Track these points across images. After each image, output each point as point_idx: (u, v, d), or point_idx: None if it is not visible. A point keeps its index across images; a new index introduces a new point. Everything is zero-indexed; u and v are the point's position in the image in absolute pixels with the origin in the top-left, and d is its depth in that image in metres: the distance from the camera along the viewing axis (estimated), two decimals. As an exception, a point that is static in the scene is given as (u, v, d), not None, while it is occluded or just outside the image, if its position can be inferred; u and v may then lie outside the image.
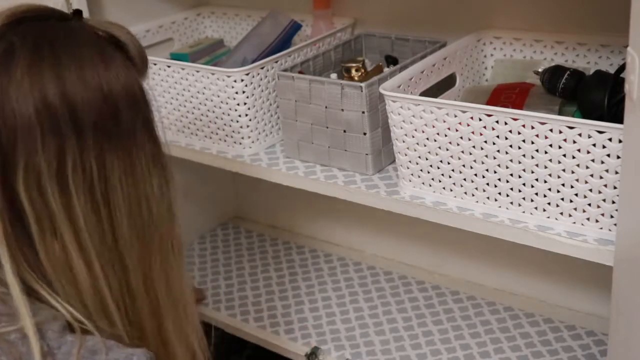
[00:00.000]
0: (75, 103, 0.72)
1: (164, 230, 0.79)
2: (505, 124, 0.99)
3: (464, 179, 1.07)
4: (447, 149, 1.06)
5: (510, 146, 1.00)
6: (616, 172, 0.93)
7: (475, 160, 1.05)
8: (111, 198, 0.74)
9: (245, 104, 1.29)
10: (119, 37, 0.80)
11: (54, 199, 0.71)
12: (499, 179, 1.04)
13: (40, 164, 0.71)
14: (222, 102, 1.31)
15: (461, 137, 1.04)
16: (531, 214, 1.03)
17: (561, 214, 1.01)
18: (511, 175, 1.02)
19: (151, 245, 0.78)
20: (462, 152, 1.05)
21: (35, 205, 0.71)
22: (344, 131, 1.21)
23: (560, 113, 1.11)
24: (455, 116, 1.03)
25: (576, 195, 0.98)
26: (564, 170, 0.97)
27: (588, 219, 0.99)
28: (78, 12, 0.80)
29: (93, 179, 0.73)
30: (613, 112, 1.01)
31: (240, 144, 1.33)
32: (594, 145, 0.93)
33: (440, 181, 1.10)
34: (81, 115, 0.72)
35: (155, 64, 1.37)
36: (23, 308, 0.69)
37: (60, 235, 0.72)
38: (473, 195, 1.08)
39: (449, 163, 1.07)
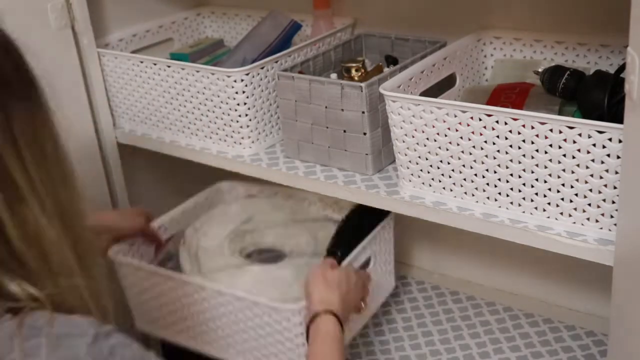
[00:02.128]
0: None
1: (69, 161, 0.79)
2: (505, 124, 0.99)
3: (464, 179, 1.07)
4: (447, 149, 1.06)
5: (510, 146, 1.00)
6: (616, 172, 0.93)
7: (475, 160, 1.05)
8: (46, 149, 0.74)
9: (245, 104, 1.29)
10: None
11: (12, 167, 0.71)
12: (499, 179, 1.04)
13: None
14: (222, 102, 1.31)
15: (461, 137, 1.04)
16: (531, 214, 1.03)
17: (561, 214, 1.01)
18: (511, 175, 1.02)
19: (70, 174, 0.78)
20: (462, 152, 1.05)
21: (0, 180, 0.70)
22: (344, 131, 1.21)
23: (560, 113, 1.11)
24: (455, 116, 1.03)
25: (576, 195, 0.98)
26: (564, 170, 0.97)
27: (588, 219, 0.99)
28: None
29: (33, 135, 0.73)
30: (613, 112, 1.01)
31: (240, 144, 1.33)
32: (594, 145, 0.94)
33: (440, 181, 1.10)
34: (3, 74, 0.72)
35: (155, 64, 1.37)
36: None
37: (27, 202, 0.71)
38: (473, 195, 1.08)
39: (449, 163, 1.07)
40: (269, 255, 1.45)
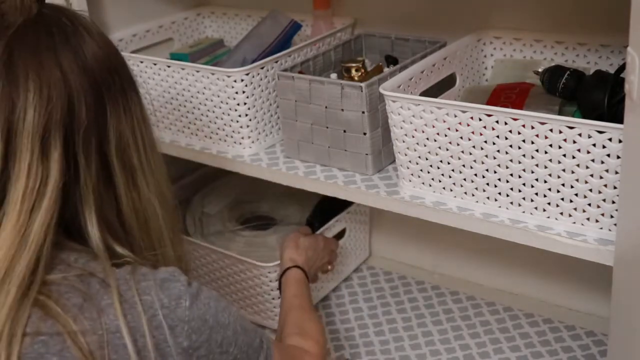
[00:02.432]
0: (113, 65, 0.86)
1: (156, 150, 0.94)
2: (505, 124, 0.99)
3: (464, 179, 1.07)
4: (447, 149, 1.06)
5: (510, 146, 1.00)
6: (616, 172, 0.93)
7: (475, 160, 1.05)
8: (147, 143, 0.89)
9: (245, 104, 1.29)
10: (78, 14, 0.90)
11: (132, 155, 0.87)
12: (499, 179, 1.04)
13: (125, 129, 0.86)
14: (222, 102, 1.31)
15: (461, 137, 1.04)
16: (531, 214, 1.03)
17: (561, 214, 1.01)
18: (511, 175, 1.02)
19: (160, 161, 0.93)
20: (462, 152, 1.05)
21: (123, 164, 0.86)
22: (344, 131, 1.21)
23: (560, 113, 1.11)
24: (455, 116, 1.03)
25: (576, 195, 0.98)
26: (564, 170, 0.97)
27: (588, 219, 0.99)
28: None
29: (141, 127, 0.88)
30: (613, 112, 1.01)
31: (240, 144, 1.33)
32: (594, 145, 0.94)
33: (440, 181, 1.10)
34: (119, 70, 0.87)
35: (155, 64, 1.37)
36: (105, 260, 0.83)
37: (137, 186, 0.88)
38: (473, 195, 1.08)
39: (449, 163, 1.07)
40: (263, 222, 1.66)
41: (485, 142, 1.02)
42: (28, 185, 0.79)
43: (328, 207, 1.55)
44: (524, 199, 1.03)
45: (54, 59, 0.81)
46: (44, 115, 0.79)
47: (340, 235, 1.57)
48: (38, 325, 0.76)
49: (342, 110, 1.20)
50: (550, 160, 0.98)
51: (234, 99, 1.29)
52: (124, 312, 0.78)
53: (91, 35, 0.85)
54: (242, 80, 1.28)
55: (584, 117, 1.03)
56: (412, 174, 1.13)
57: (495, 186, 1.05)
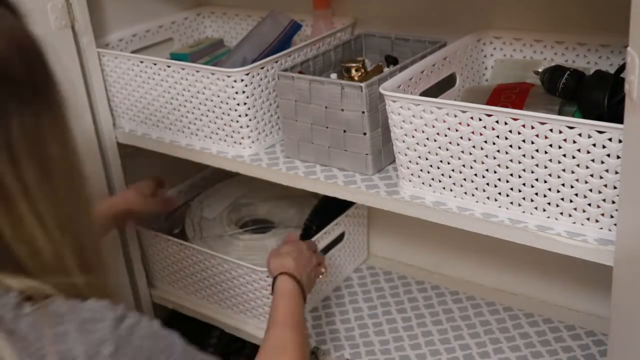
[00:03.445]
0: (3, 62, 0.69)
1: (79, 166, 0.79)
2: (505, 124, 0.99)
3: (464, 179, 1.07)
4: (447, 149, 1.06)
5: (510, 146, 1.00)
6: (616, 172, 0.93)
7: (475, 160, 1.05)
8: (51, 156, 0.74)
9: (245, 104, 1.29)
10: None
11: (4, 171, 0.70)
12: (499, 179, 1.04)
13: None
14: (222, 102, 1.31)
15: (461, 137, 1.04)
16: (531, 214, 1.03)
17: (561, 214, 1.01)
18: (511, 175, 1.02)
19: (77, 180, 0.78)
20: (462, 152, 1.05)
21: None
22: (344, 131, 1.21)
23: (560, 113, 1.11)
24: (455, 116, 1.03)
25: (576, 195, 0.98)
26: (564, 170, 0.97)
27: (588, 219, 0.99)
28: None
29: (35, 141, 0.72)
30: (613, 112, 1.01)
31: (240, 144, 1.33)
32: (594, 145, 0.94)
33: (440, 181, 1.10)
34: (10, 73, 0.70)
35: (155, 64, 1.37)
36: None
37: (16, 205, 0.70)
38: (473, 195, 1.08)
39: (449, 163, 1.07)
40: (262, 225, 1.67)
41: (485, 142, 1.02)
42: None
43: (326, 211, 1.55)
44: (524, 199, 1.03)
45: None
46: None
47: (339, 239, 1.57)
48: None
49: (342, 110, 1.20)
50: (550, 160, 0.98)
51: (234, 99, 1.29)
52: None
53: None
54: (242, 80, 1.28)
55: (584, 117, 1.03)
56: (412, 174, 1.13)
57: (495, 186, 1.05)
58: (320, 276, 1.37)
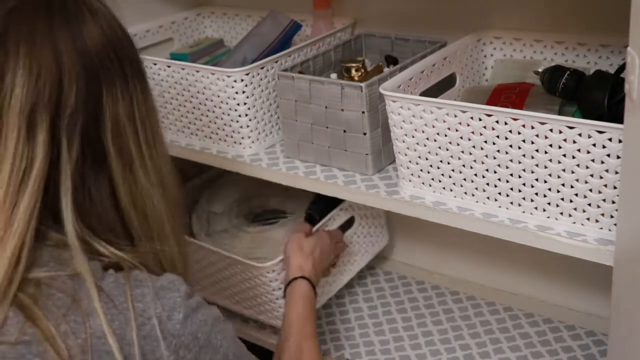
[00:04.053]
0: (119, 46, 0.83)
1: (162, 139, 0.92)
2: (505, 124, 0.99)
3: (464, 179, 1.07)
4: (447, 149, 1.06)
5: (510, 146, 1.00)
6: (616, 172, 0.93)
7: (475, 160, 1.05)
8: (153, 128, 0.87)
9: (245, 104, 1.29)
10: None
11: (130, 138, 0.83)
12: (499, 179, 1.04)
13: (121, 111, 0.83)
14: (222, 102, 1.31)
15: (461, 137, 1.04)
16: (531, 214, 1.03)
17: (561, 214, 1.01)
18: (511, 175, 1.02)
19: (164, 154, 0.90)
20: (462, 152, 1.05)
21: (119, 146, 0.83)
22: (344, 131, 1.21)
23: (560, 113, 1.11)
24: (455, 116, 1.03)
25: (576, 195, 0.98)
26: (564, 170, 0.97)
27: (588, 219, 0.99)
28: None
29: (144, 115, 0.85)
30: (613, 112, 1.01)
31: (240, 144, 1.33)
32: (594, 145, 0.93)
33: (440, 181, 1.10)
34: (122, 55, 0.83)
35: (155, 64, 1.37)
36: (78, 251, 0.79)
37: (135, 169, 0.84)
38: (473, 195, 1.08)
39: (449, 163, 1.07)
40: (274, 215, 1.62)
41: (485, 142, 1.02)
42: (14, 166, 0.76)
43: (328, 198, 1.49)
44: (524, 199, 1.03)
45: (49, 39, 0.78)
46: (31, 94, 0.77)
47: (348, 224, 1.51)
48: (22, 326, 0.74)
49: (342, 110, 1.20)
50: (550, 160, 0.98)
51: (234, 99, 1.29)
52: (113, 317, 0.76)
53: (95, 18, 0.82)
54: (242, 80, 1.28)
55: (584, 117, 1.03)
56: (412, 174, 1.13)
57: (495, 186, 1.05)
58: (333, 267, 1.40)
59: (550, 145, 0.97)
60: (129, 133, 0.84)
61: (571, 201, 0.99)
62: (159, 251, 0.87)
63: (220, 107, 1.32)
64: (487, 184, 1.05)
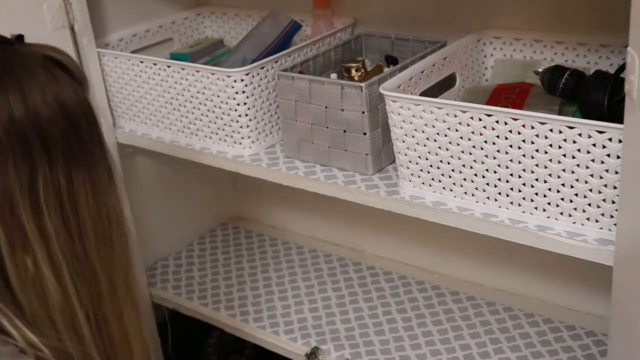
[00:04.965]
0: (40, 121, 0.75)
1: (122, 233, 0.84)
2: (505, 124, 0.99)
3: (464, 179, 1.07)
4: (447, 149, 1.06)
5: (510, 146, 1.00)
6: (616, 172, 0.93)
7: (475, 160, 1.05)
8: (79, 212, 0.79)
9: (245, 104, 1.29)
10: (61, 60, 0.82)
11: (25, 216, 0.75)
12: (499, 179, 1.04)
13: (13, 184, 0.74)
14: (222, 102, 1.31)
15: (461, 137, 1.04)
16: (531, 214, 1.03)
17: (561, 214, 1.01)
18: (511, 175, 1.02)
19: (113, 249, 0.83)
20: (462, 152, 1.05)
21: (7, 222, 0.74)
22: (344, 131, 1.21)
23: (560, 113, 1.11)
24: (455, 116, 1.03)
25: (576, 195, 0.98)
26: (564, 170, 0.97)
27: (588, 219, 0.99)
28: (20, 37, 0.82)
29: (62, 195, 0.77)
30: (613, 112, 1.01)
31: (240, 144, 1.33)
32: (594, 145, 0.94)
33: (440, 181, 1.10)
34: (47, 134, 0.76)
35: (155, 64, 1.37)
36: None
37: (32, 251, 0.75)
38: (473, 195, 1.08)
39: (449, 163, 1.07)
40: None
41: (485, 142, 1.02)
42: None
43: None
44: (524, 199, 1.03)
45: None
46: None
47: None
48: None
49: (342, 110, 1.20)
50: (550, 160, 0.98)
51: (234, 99, 1.29)
52: None
53: (44, 91, 0.76)
54: (242, 80, 1.28)
55: (584, 117, 1.03)
56: (412, 174, 1.13)
57: (495, 186, 1.05)
58: None
59: (550, 145, 0.97)
60: (20, 205, 0.75)
61: (571, 201, 0.99)
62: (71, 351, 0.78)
63: (220, 107, 1.32)
64: (487, 184, 1.05)
